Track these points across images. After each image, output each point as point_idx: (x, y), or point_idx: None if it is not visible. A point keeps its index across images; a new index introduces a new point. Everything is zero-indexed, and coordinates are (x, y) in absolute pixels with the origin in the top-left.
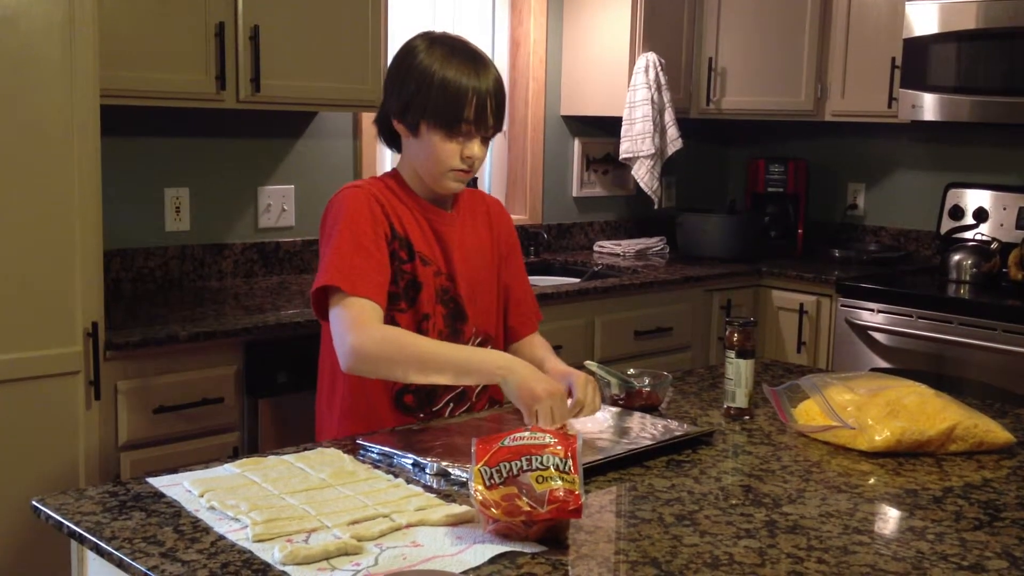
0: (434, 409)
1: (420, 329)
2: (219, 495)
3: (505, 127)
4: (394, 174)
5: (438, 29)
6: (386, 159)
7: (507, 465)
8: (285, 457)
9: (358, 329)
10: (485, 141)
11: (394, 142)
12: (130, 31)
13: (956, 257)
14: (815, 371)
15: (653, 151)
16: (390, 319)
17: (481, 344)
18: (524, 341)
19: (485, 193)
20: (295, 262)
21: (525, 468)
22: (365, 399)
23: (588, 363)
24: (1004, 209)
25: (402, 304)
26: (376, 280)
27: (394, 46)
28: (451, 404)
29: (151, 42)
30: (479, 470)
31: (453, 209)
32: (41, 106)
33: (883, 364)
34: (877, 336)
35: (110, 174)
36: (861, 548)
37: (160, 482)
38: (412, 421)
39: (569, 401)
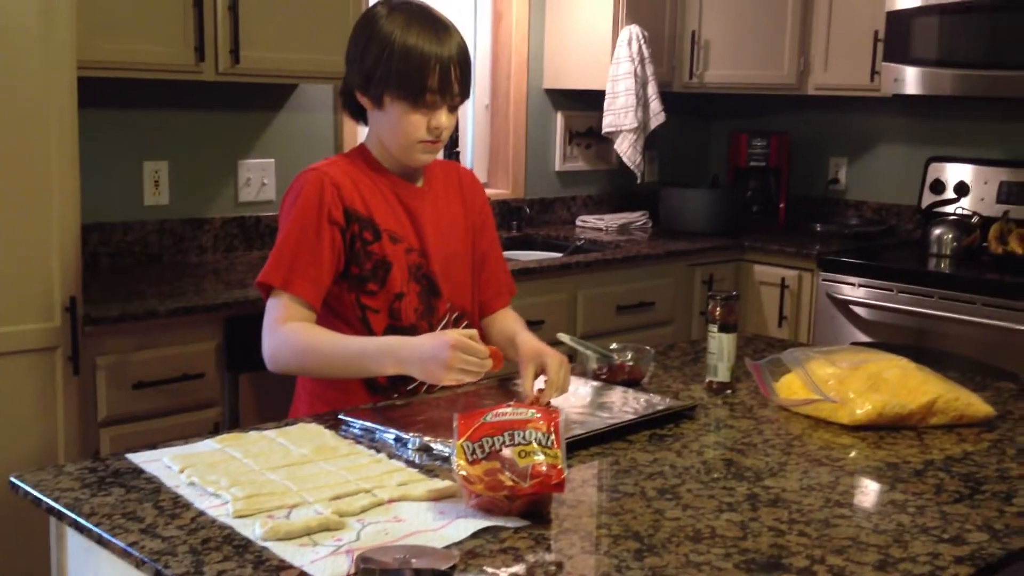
0: (408, 388)
1: (393, 308)
2: (199, 471)
3: (487, 101)
4: (362, 149)
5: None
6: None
7: (489, 440)
8: (266, 433)
9: (271, 334)
10: (452, 110)
11: (360, 115)
12: (108, 2)
13: (937, 231)
14: (797, 345)
15: (636, 125)
16: (359, 303)
17: (456, 320)
18: (496, 316)
19: (457, 164)
20: (275, 236)
21: (507, 443)
22: (336, 382)
23: (561, 335)
24: (985, 183)
25: (371, 286)
26: (312, 276)
27: None
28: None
29: (129, 13)
30: (461, 445)
31: (424, 183)
32: (17, 78)
33: (864, 338)
34: (858, 310)
35: (88, 147)
36: (842, 521)
37: (140, 458)
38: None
39: (541, 379)
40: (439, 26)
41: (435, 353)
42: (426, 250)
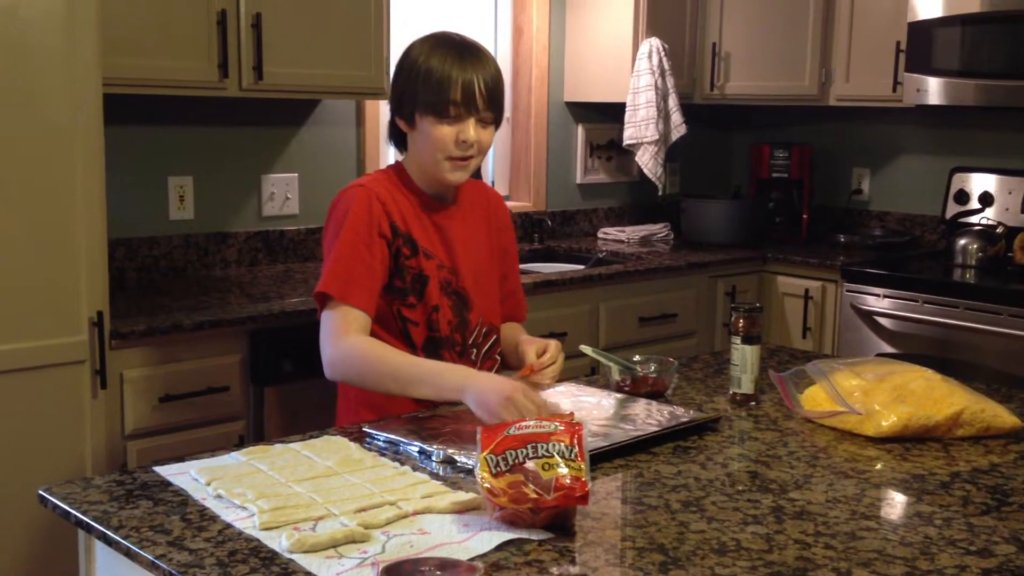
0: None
1: (431, 320)
2: (226, 483)
3: (508, 114)
4: (398, 168)
5: (441, 17)
6: (389, 147)
7: (513, 453)
8: (291, 445)
9: (333, 342)
10: (483, 125)
11: (402, 142)
12: (132, 19)
13: (962, 242)
14: (821, 357)
15: (657, 137)
16: (399, 315)
17: (487, 334)
18: (507, 325)
19: (487, 185)
20: (299, 250)
21: (531, 455)
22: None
23: (584, 347)
24: (1009, 193)
25: (411, 299)
26: (368, 287)
27: (396, 33)
28: None
29: (153, 30)
30: (485, 458)
31: (455, 202)
32: (43, 95)
33: (889, 349)
34: (883, 321)
35: (113, 163)
36: (868, 533)
37: (167, 471)
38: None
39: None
40: (465, 49)
41: (491, 397)
42: (456, 267)
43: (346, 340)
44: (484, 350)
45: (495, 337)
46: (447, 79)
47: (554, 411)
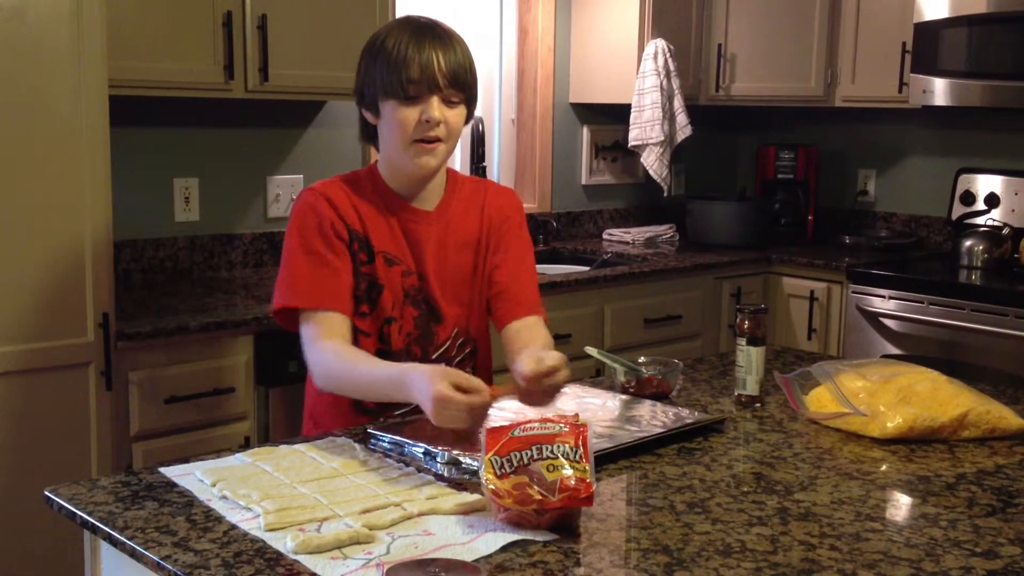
0: (397, 413)
1: (383, 332)
2: (231, 485)
3: (514, 115)
4: (370, 170)
5: (446, 18)
6: None
7: (517, 454)
8: (296, 446)
9: (312, 350)
10: (449, 106)
11: (374, 138)
12: (138, 21)
13: (968, 243)
14: (826, 358)
15: (662, 138)
16: (351, 325)
17: (461, 347)
18: (521, 330)
19: (490, 183)
20: None
21: (536, 457)
22: (326, 402)
23: (589, 349)
24: (1016, 194)
25: (363, 307)
26: (334, 286)
27: None
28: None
29: (159, 32)
30: (490, 459)
31: (440, 205)
32: (50, 97)
33: (894, 351)
34: (888, 323)
35: (119, 165)
36: (873, 535)
37: (172, 472)
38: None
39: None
40: (424, 29)
41: (427, 406)
42: (425, 274)
43: (318, 348)
44: (455, 365)
45: (470, 349)
46: (403, 58)
47: (486, 395)
